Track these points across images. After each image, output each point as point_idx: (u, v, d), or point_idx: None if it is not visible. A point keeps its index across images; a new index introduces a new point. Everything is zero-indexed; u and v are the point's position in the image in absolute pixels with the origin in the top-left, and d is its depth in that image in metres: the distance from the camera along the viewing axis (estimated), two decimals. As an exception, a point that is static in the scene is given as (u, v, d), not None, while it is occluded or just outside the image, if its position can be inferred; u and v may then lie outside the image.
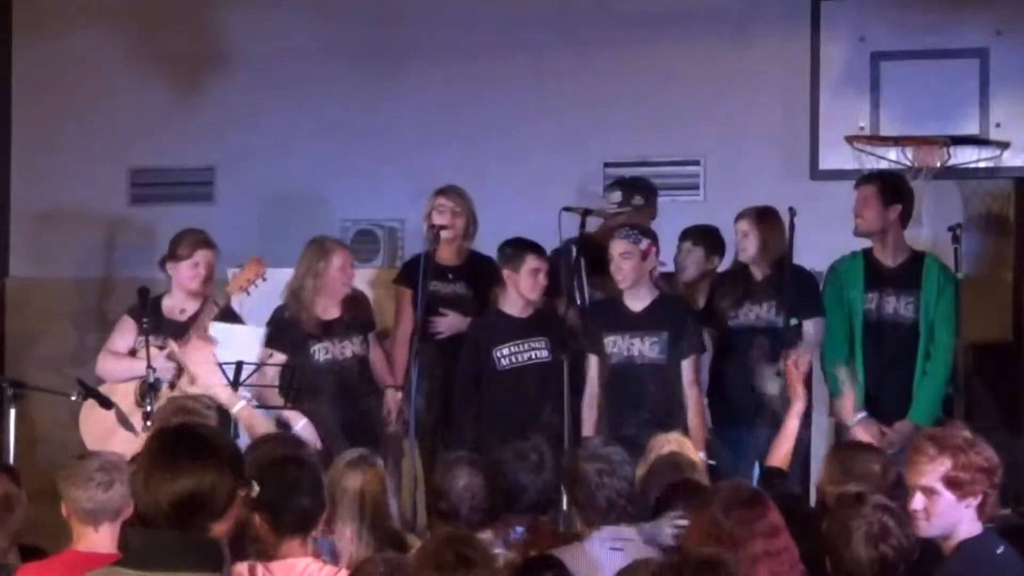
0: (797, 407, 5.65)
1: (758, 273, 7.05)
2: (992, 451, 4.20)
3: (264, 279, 7.07)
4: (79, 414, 6.88)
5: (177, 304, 7.00)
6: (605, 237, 7.17)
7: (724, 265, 7.42)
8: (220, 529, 3.29)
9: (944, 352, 6.90)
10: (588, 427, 6.77)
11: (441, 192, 7.37)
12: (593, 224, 7.27)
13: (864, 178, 7.18)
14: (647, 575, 3.68)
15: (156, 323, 6.86)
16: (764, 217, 7.01)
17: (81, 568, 4.15)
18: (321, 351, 7.00)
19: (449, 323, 7.26)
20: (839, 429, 6.57)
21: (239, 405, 5.56)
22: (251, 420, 5.65)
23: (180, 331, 6.87)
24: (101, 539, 4.57)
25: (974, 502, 4.14)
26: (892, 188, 7.08)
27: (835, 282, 7.13)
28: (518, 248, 7.00)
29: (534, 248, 7.00)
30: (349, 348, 7.05)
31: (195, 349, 6.44)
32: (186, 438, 3.36)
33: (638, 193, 7.41)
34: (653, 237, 6.89)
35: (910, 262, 7.07)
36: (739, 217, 7.08)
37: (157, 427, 3.88)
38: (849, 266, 7.14)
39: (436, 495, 4.92)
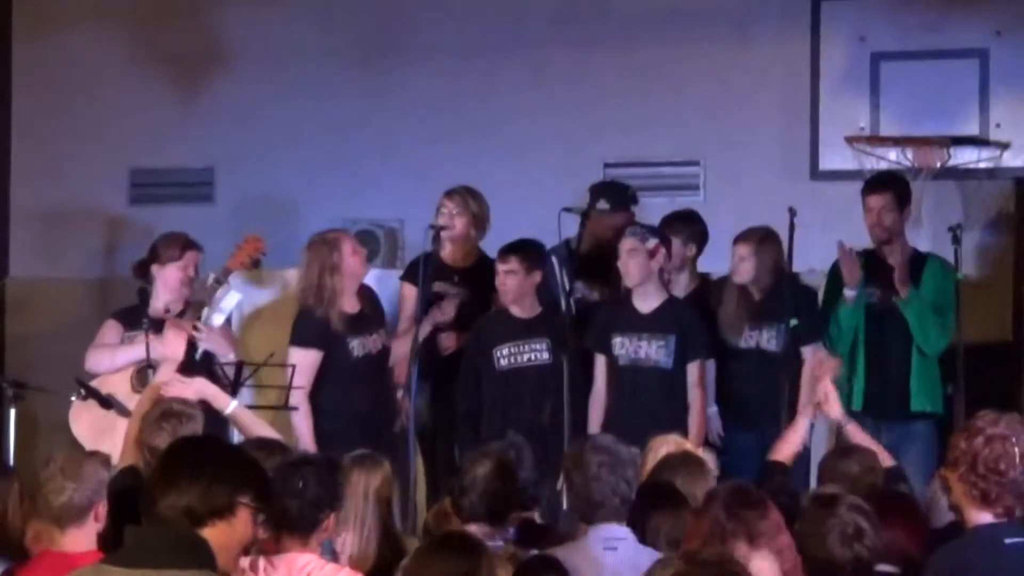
0: (810, 409, 5.65)
1: (756, 292, 7.02)
2: (995, 448, 4.23)
3: (264, 254, 7.08)
4: (69, 415, 6.87)
5: (162, 306, 6.97)
6: (589, 239, 7.22)
7: (710, 259, 7.39)
8: (214, 534, 3.28)
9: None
10: (594, 426, 6.77)
11: (446, 193, 7.37)
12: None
13: (874, 185, 7.14)
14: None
15: (137, 322, 6.91)
16: (765, 243, 6.97)
17: (63, 568, 4.16)
18: (358, 347, 6.94)
19: (451, 340, 7.24)
20: (839, 430, 6.57)
21: (232, 406, 5.53)
22: (244, 420, 5.63)
23: (161, 328, 6.85)
24: (71, 541, 4.56)
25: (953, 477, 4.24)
26: (903, 191, 7.10)
27: (836, 280, 7.13)
28: (501, 250, 7.01)
29: (513, 250, 6.96)
30: (379, 341, 7.00)
31: (170, 337, 6.38)
32: (186, 452, 3.42)
33: (603, 198, 7.38)
34: (663, 237, 6.90)
35: (913, 260, 7.09)
36: (739, 240, 7.02)
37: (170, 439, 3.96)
38: None
39: (457, 472, 4.97)
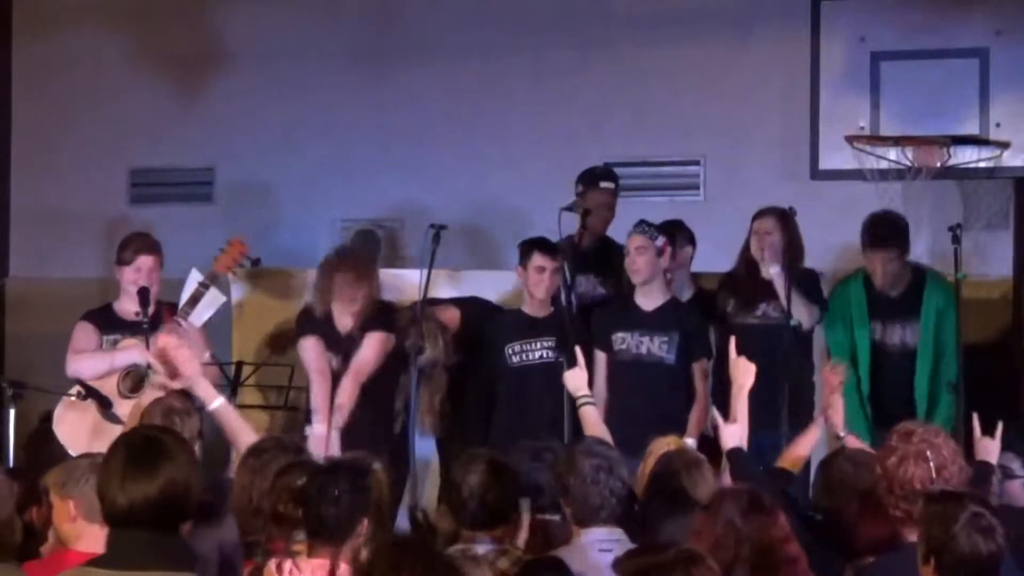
0: (828, 418, 5.56)
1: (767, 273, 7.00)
2: (908, 467, 4.24)
3: (249, 258, 7.07)
4: (54, 418, 6.87)
5: (130, 307, 6.95)
6: (589, 235, 7.24)
7: (711, 259, 7.40)
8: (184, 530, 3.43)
9: (951, 394, 6.88)
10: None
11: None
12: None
13: (880, 242, 7.03)
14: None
15: (113, 325, 6.94)
16: (786, 218, 6.98)
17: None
18: (335, 360, 6.99)
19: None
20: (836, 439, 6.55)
21: (217, 402, 5.52)
22: (228, 419, 5.60)
23: (138, 331, 6.82)
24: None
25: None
26: (906, 239, 7.07)
27: (839, 304, 7.11)
28: (529, 245, 7.03)
29: (542, 246, 7.00)
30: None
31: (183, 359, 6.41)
32: (156, 442, 3.47)
33: (580, 181, 7.41)
34: (670, 236, 6.96)
35: (911, 286, 7.09)
36: (760, 216, 7.03)
37: (125, 432, 3.93)
38: (851, 292, 7.11)
39: (449, 485, 4.91)
